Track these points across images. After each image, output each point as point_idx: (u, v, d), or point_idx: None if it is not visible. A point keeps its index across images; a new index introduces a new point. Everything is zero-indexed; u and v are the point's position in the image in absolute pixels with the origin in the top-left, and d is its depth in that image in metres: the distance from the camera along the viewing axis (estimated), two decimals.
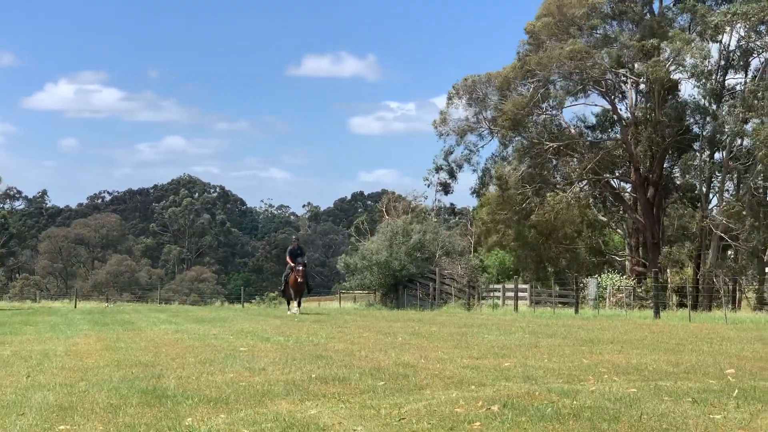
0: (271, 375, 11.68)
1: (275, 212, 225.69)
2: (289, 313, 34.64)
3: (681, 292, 53.65)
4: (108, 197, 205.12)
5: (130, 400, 9.43)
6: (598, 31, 56.99)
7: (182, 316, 33.00)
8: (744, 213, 51.61)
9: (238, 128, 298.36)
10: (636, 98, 58.65)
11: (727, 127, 53.56)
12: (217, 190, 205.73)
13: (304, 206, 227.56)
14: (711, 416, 7.97)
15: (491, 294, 49.16)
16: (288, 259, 35.68)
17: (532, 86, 58.17)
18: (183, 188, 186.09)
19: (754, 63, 56.07)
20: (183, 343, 17.71)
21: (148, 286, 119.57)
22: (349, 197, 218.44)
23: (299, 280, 34.39)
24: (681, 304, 49.44)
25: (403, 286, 50.73)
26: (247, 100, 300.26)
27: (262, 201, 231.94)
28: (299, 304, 35.35)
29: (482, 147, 64.36)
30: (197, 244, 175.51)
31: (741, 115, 52.36)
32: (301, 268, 34.45)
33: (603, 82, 57.26)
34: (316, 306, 60.45)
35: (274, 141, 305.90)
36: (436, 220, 63.52)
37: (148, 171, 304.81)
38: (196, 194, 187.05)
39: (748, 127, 52.39)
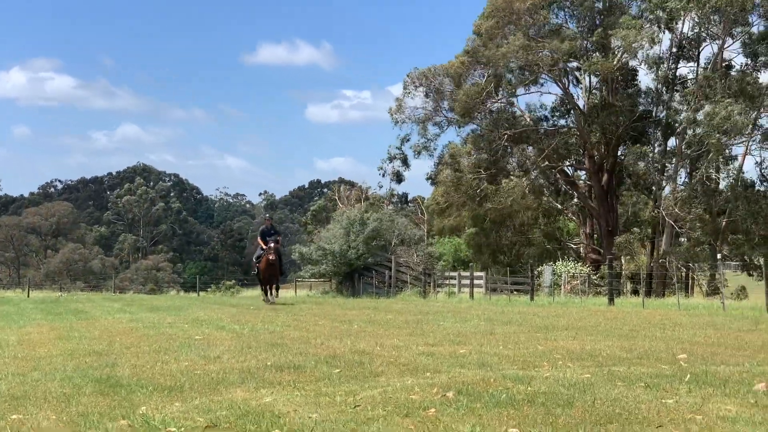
0: (226, 363, 11.65)
1: (231, 201, 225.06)
2: (264, 301, 31.86)
3: (635, 279, 54.13)
4: (60, 186, 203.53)
5: (84, 389, 9.37)
6: (550, 23, 57.26)
7: (137, 305, 32.80)
8: (696, 200, 52.11)
9: (193, 116, 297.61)
10: (590, 85, 59.02)
11: (681, 115, 54.07)
12: (172, 178, 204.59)
13: (260, 194, 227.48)
14: (663, 401, 8.04)
15: (447, 281, 49.27)
16: (260, 240, 32.79)
17: (485, 77, 58.32)
18: (138, 177, 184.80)
19: (705, 52, 56.74)
20: (137, 332, 17.61)
21: (102, 275, 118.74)
22: (306, 185, 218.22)
23: (271, 257, 30.79)
24: (635, 291, 49.90)
25: (359, 274, 50.74)
26: (202, 89, 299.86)
27: (217, 189, 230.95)
28: (276, 290, 32.45)
29: (438, 136, 64.50)
30: (152, 232, 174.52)
31: (693, 103, 52.85)
32: (272, 245, 31.07)
33: (556, 71, 57.44)
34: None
35: (229, 129, 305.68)
36: (392, 208, 63.65)
37: (102, 159, 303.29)
38: (151, 183, 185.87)
39: (700, 115, 52.83)
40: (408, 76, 62.26)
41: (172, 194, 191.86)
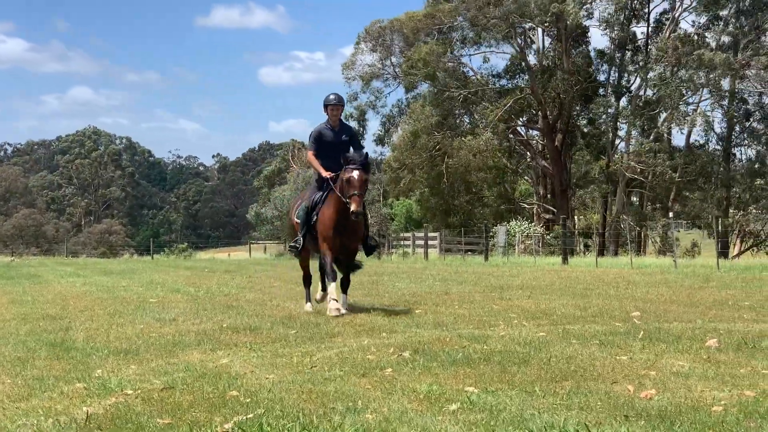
0: (181, 325, 11.62)
1: (183, 163, 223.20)
2: (310, 305, 13.92)
3: (587, 235, 54.61)
4: (9, 149, 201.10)
5: (38, 353, 9.30)
6: None
7: (90, 268, 32.62)
8: (649, 158, 52.56)
9: (147, 80, 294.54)
10: (543, 46, 59.18)
11: (633, 76, 54.58)
12: (124, 141, 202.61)
13: (213, 157, 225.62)
14: (617, 357, 8.12)
15: (401, 242, 49.37)
16: (311, 156, 13.68)
17: (439, 34, 58.31)
18: (88, 140, 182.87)
19: (654, 13, 57.58)
20: (91, 296, 17.52)
21: (55, 239, 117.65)
22: (256, 147, 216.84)
23: (354, 210, 12.42)
24: (586, 246, 50.37)
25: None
26: (157, 52, 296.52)
27: (170, 152, 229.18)
28: (346, 282, 13.67)
29: (388, 94, 64.33)
30: (105, 196, 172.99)
31: (644, 63, 53.35)
32: (356, 174, 12.53)
33: (512, 31, 57.49)
34: (225, 257, 60.19)
35: (183, 92, 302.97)
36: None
37: (53, 122, 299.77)
38: (102, 146, 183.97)
39: (653, 74, 53.38)
40: (365, 29, 61.94)
41: (123, 157, 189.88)
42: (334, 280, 13.03)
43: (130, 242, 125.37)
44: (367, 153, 13.11)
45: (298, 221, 13.66)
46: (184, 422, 5.90)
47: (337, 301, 12.75)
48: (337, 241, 13.01)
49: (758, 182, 54.09)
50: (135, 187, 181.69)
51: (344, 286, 13.50)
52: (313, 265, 14.33)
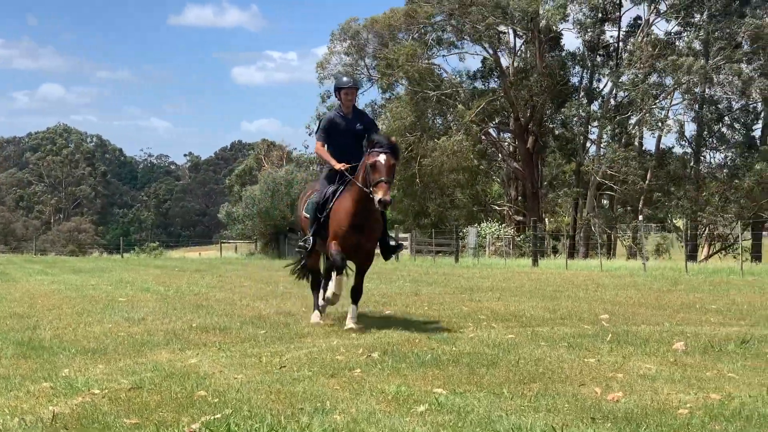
0: (150, 325, 11.57)
1: (154, 162, 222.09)
2: (318, 315, 11.92)
3: (557, 237, 54.81)
4: None
5: (5, 352, 9.23)
6: None
7: (59, 266, 32.44)
8: (620, 162, 52.76)
9: (119, 77, 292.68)
10: (516, 48, 59.37)
11: (605, 78, 54.87)
12: (94, 139, 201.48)
13: (185, 156, 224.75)
14: (585, 360, 8.16)
15: None
16: (319, 148, 11.86)
17: (415, 34, 58.39)
18: (59, 138, 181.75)
19: (626, 17, 57.94)
20: (59, 294, 17.42)
21: (23, 237, 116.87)
22: (228, 146, 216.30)
23: (381, 198, 10.50)
24: (554, 249, 50.53)
25: (285, 235, 50.60)
26: (129, 49, 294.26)
27: (141, 150, 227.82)
28: (356, 296, 11.42)
29: (362, 94, 64.29)
30: (75, 194, 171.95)
31: (616, 66, 53.63)
32: (382, 158, 10.67)
33: (487, 32, 57.58)
34: (196, 256, 60.02)
35: (155, 90, 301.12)
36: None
37: (24, 120, 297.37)
38: (72, 144, 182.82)
39: (625, 78, 53.64)
40: (340, 26, 61.83)
41: (94, 156, 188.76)
42: (340, 273, 11.11)
43: (99, 240, 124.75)
44: (381, 136, 11.10)
45: (308, 216, 11.79)
46: (151, 422, 5.87)
47: (335, 295, 11.16)
48: (352, 240, 11.05)
49: (735, 182, 54.23)
50: (106, 186, 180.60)
51: (355, 296, 11.38)
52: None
